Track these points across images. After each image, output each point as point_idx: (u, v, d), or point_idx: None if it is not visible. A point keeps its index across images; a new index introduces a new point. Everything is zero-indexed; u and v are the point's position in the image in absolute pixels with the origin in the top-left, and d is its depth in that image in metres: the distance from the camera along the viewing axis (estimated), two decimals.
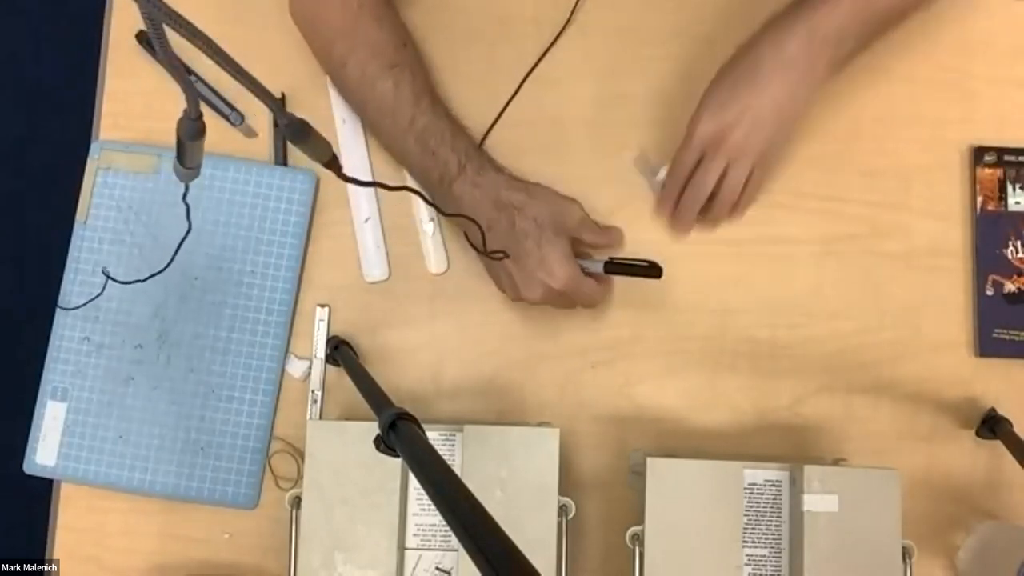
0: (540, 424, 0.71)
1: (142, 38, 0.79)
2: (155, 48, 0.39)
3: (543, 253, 0.68)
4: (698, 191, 0.71)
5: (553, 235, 0.69)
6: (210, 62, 0.41)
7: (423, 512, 0.67)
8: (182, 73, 0.42)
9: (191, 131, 0.47)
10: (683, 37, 0.79)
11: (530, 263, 0.68)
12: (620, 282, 0.76)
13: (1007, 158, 0.76)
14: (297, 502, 0.67)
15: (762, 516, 0.67)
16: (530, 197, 0.70)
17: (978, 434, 0.74)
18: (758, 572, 0.67)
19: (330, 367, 0.75)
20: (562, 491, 0.66)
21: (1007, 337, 0.75)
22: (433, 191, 0.71)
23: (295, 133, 0.48)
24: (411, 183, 0.78)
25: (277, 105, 0.45)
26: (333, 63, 0.72)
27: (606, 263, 0.71)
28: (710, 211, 0.74)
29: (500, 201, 0.69)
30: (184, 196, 0.58)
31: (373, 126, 0.74)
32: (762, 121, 0.67)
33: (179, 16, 0.37)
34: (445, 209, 0.70)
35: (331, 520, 0.65)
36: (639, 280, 0.75)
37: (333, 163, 0.52)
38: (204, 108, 0.77)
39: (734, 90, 0.68)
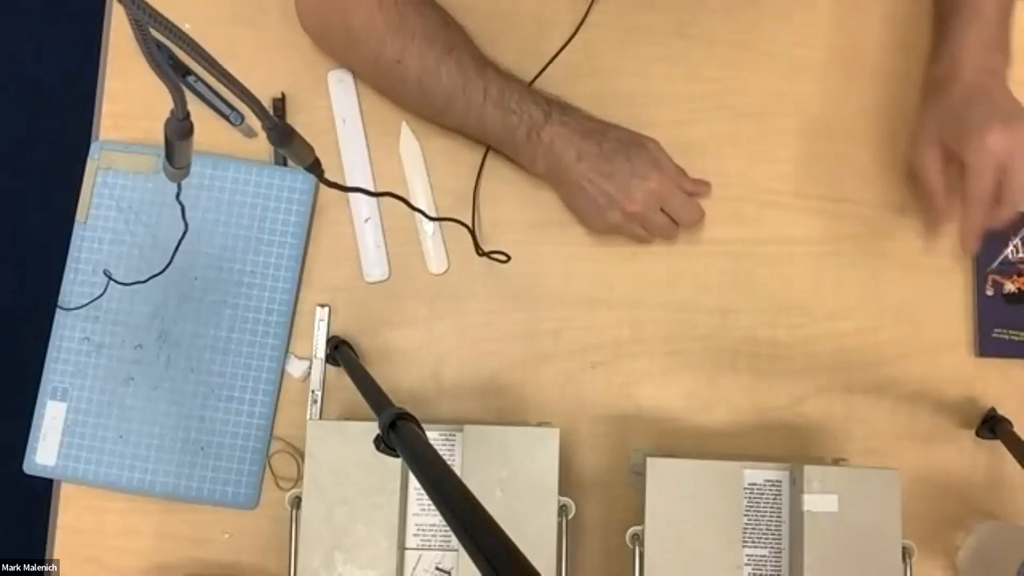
0: (540, 424, 0.71)
1: None
2: (141, 49, 0.39)
3: (633, 164, 0.71)
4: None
5: (638, 149, 0.72)
6: None
7: (423, 512, 0.67)
8: (168, 72, 0.42)
9: (179, 131, 0.47)
10: (683, 37, 0.79)
11: (623, 174, 0.71)
12: (619, 282, 0.76)
13: None
14: (297, 502, 0.67)
15: (762, 516, 0.67)
16: (611, 125, 0.74)
17: (978, 434, 0.74)
18: (758, 572, 0.67)
19: (330, 367, 0.75)
20: (562, 491, 0.66)
21: (1007, 337, 0.75)
22: (520, 147, 0.73)
23: (278, 136, 0.48)
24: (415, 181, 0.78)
25: (261, 108, 0.45)
26: (384, 63, 0.72)
27: None
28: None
29: (586, 130, 0.72)
30: (177, 196, 0.58)
31: (442, 111, 0.74)
32: None
33: (164, 19, 0.37)
34: (535, 159, 0.73)
35: (331, 520, 0.65)
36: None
37: (315, 167, 0.52)
38: (205, 108, 0.77)
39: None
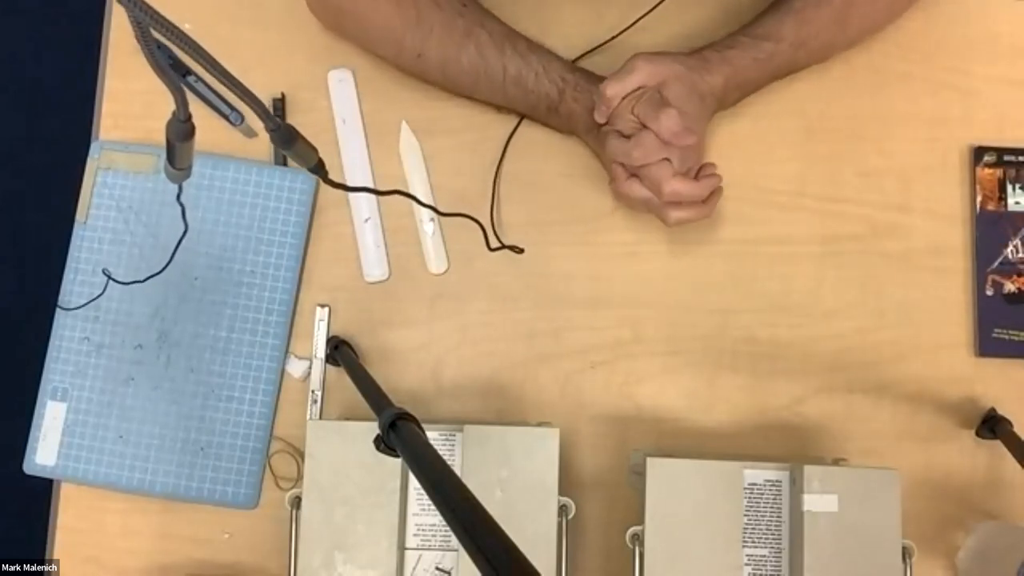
0: (540, 424, 0.71)
1: None
2: (143, 50, 0.39)
3: (626, 148, 0.69)
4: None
5: (627, 134, 0.69)
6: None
7: (423, 512, 0.67)
8: (170, 74, 0.41)
9: (180, 132, 0.47)
10: (684, 38, 0.79)
11: (618, 157, 0.70)
12: (619, 282, 0.76)
13: (1007, 158, 0.76)
14: (297, 502, 0.67)
15: (762, 516, 0.67)
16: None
17: (978, 434, 0.74)
18: (758, 572, 0.67)
19: (330, 367, 0.75)
20: (562, 491, 0.66)
21: (1007, 337, 0.75)
22: (547, 119, 0.75)
23: (281, 138, 0.48)
24: (408, 184, 0.78)
25: (264, 110, 0.45)
26: (406, 56, 0.73)
27: None
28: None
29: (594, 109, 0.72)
30: (178, 197, 0.58)
31: (468, 92, 0.75)
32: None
33: (165, 20, 0.37)
34: (563, 128, 0.75)
35: (331, 520, 0.65)
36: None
37: (319, 168, 0.52)
38: (204, 108, 0.77)
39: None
